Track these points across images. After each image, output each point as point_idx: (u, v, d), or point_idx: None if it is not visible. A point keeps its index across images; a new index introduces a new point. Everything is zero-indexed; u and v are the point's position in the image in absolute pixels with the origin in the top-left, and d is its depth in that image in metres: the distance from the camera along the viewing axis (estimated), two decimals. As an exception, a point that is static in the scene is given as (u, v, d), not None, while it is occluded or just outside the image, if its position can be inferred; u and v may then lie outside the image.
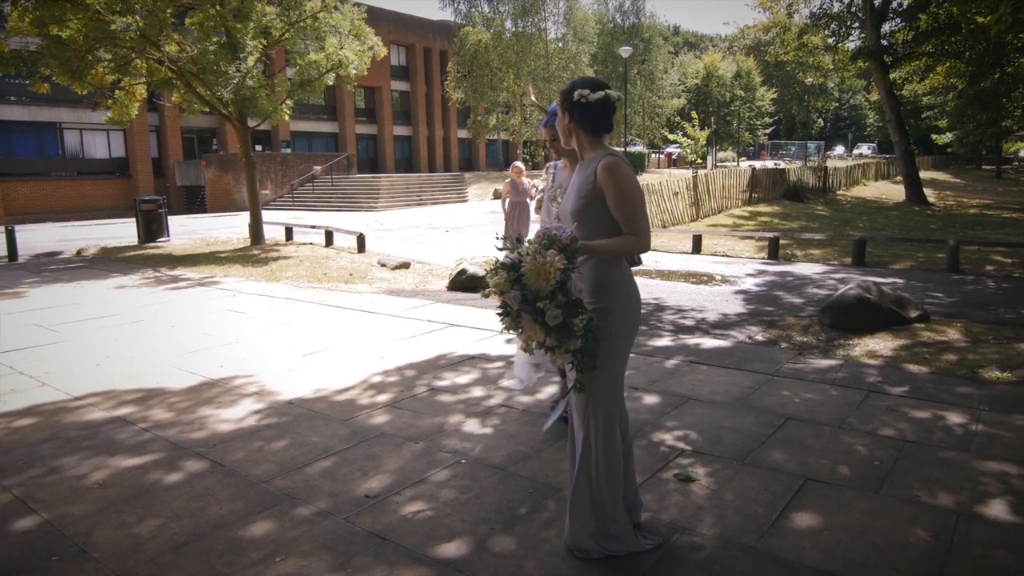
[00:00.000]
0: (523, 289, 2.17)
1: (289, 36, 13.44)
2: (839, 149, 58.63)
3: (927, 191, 24.96)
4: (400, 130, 42.54)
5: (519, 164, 9.20)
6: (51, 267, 11.94)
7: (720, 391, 4.40)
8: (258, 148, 33.17)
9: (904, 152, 23.45)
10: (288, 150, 34.64)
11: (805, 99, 57.71)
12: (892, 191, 28.06)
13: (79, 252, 13.90)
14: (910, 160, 23.78)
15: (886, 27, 24.16)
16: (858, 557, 2.52)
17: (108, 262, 12.43)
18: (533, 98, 34.79)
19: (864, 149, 57.20)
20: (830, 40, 26.10)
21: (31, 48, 12.91)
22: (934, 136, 38.65)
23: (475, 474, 3.26)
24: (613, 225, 2.36)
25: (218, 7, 13.02)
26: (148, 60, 13.10)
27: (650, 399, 4.27)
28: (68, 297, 8.67)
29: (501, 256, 2.30)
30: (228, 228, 18.96)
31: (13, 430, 3.99)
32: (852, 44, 25.46)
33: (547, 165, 3.47)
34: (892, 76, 24.81)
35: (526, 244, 2.22)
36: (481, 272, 8.06)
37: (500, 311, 2.28)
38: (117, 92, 13.78)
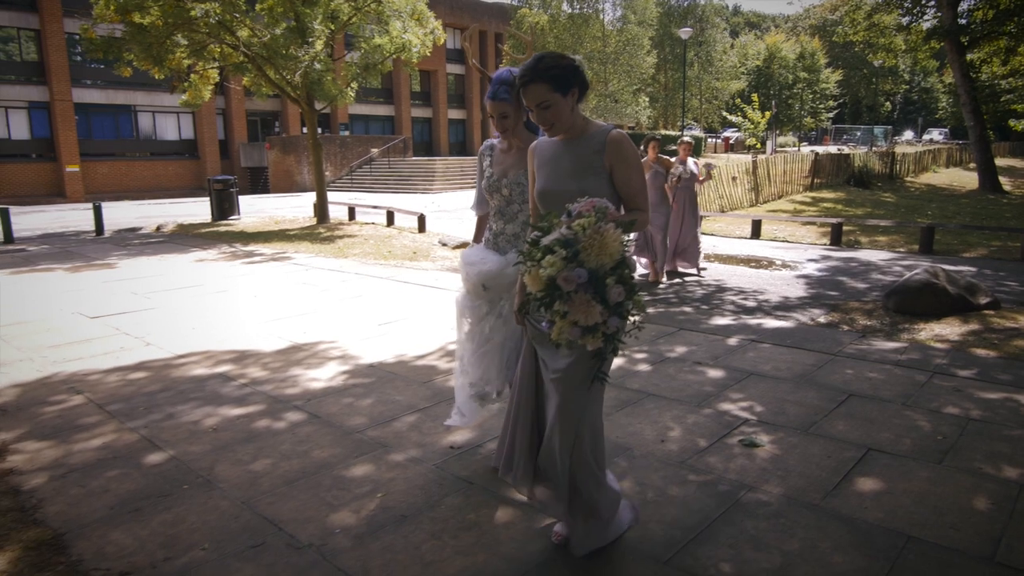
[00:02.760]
0: (581, 267, 1.98)
1: (355, 20, 13.81)
2: (908, 134, 56.29)
3: (1003, 179, 23.87)
4: (455, 113, 42.92)
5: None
6: (134, 241, 12.71)
7: (782, 368, 4.52)
8: (317, 131, 34.02)
9: (979, 138, 22.45)
10: (346, 133, 35.44)
11: (873, 81, 55.52)
12: (964, 178, 26.89)
13: (158, 228, 14.72)
14: (985, 146, 22.75)
15: (963, 5, 23.09)
16: (919, 518, 2.65)
17: (186, 238, 13.15)
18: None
19: (935, 134, 54.74)
20: (903, 20, 25.07)
21: (116, 34, 13.68)
22: (1012, 122, 36.66)
23: (549, 433, 3.49)
24: (612, 202, 2.24)
25: (288, -8, 13.48)
26: (222, 45, 13.70)
27: (714, 373, 4.42)
28: (154, 269, 9.28)
29: (531, 236, 2.08)
30: (293, 208, 19.67)
31: (129, 381, 4.43)
32: (926, 24, 24.40)
33: (482, 148, 3.01)
34: (969, 58, 23.68)
35: (576, 221, 2.00)
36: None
37: (542, 297, 2.01)
38: (192, 76, 14.47)
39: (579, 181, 2.27)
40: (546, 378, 2.34)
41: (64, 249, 11.71)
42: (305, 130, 33.44)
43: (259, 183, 32.03)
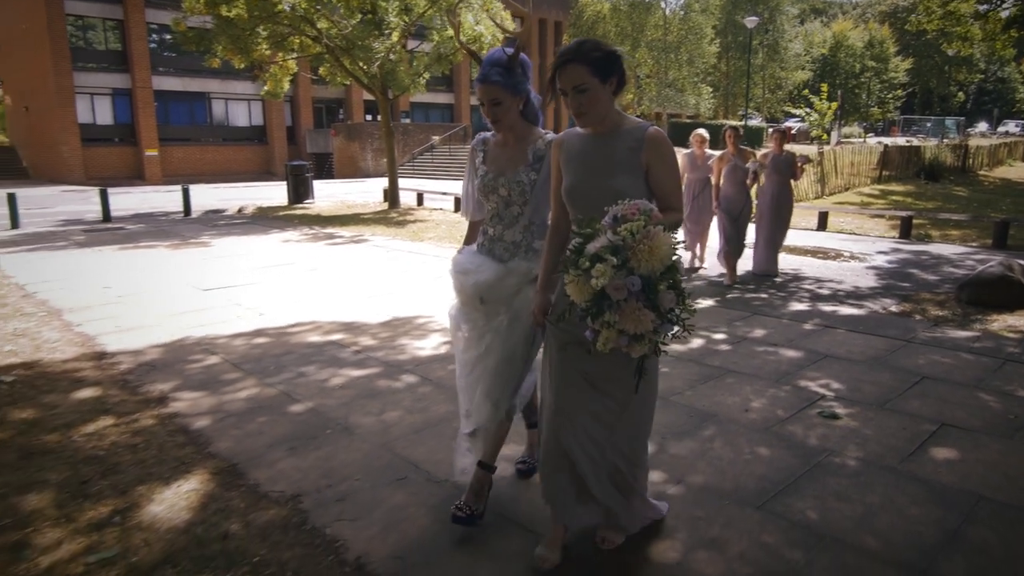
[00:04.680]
0: (631, 274, 1.91)
1: (429, 13, 14.28)
2: (982, 126, 53.79)
3: (1084, 173, 22.82)
4: (513, 101, 43.13)
5: (703, 132, 7.62)
6: (220, 222, 13.54)
7: (856, 351, 4.75)
8: (379, 119, 34.85)
9: (1060, 130, 21.51)
10: (407, 120, 36.19)
11: (945, 70, 53.29)
12: (1043, 172, 25.81)
13: (240, 210, 15.59)
14: (1067, 139, 21.79)
15: (1047, -8, 22.05)
16: (990, 482, 2.91)
17: (266, 220, 13.93)
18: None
19: (1011, 126, 52.11)
20: (980, 7, 24.10)
21: (204, 27, 14.51)
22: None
23: (640, 400, 3.85)
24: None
25: (365, -15, 14.03)
26: (301, 36, 14.38)
27: (790, 353, 4.70)
28: (245, 248, 9.98)
29: (574, 243, 1.99)
30: (361, 193, 20.42)
31: (255, 345, 4.99)
32: (1005, 11, 23.41)
33: (472, 143, 2.73)
34: (1052, 46, 22.66)
35: (623, 225, 1.92)
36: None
37: (589, 309, 1.95)
38: (273, 67, 15.22)
39: (612, 178, 2.16)
40: (575, 382, 2.27)
41: (159, 228, 12.60)
42: (368, 118, 34.49)
43: (324, 168, 33.09)
